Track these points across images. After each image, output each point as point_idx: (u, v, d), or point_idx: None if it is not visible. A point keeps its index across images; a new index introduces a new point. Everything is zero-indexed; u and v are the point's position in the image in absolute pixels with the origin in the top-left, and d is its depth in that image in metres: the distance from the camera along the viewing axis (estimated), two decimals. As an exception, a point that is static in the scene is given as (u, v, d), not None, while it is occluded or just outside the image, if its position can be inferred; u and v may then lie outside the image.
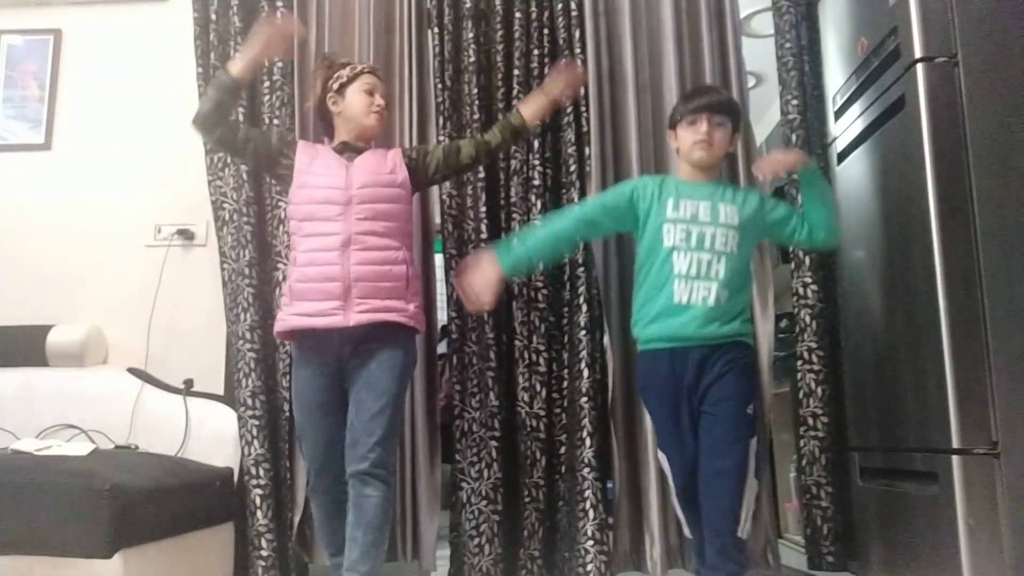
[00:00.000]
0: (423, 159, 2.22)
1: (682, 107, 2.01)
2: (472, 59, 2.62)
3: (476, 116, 2.58)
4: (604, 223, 2.06)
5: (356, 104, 2.20)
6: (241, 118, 2.63)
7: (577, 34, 2.61)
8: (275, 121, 2.63)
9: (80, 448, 2.20)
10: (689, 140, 1.96)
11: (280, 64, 2.66)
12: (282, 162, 2.19)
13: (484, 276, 1.96)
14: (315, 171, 2.15)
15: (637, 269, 2.00)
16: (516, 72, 2.60)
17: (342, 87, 2.21)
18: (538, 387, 2.46)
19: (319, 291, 2.04)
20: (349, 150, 2.20)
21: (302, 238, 2.11)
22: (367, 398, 2.01)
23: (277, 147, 2.21)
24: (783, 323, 2.90)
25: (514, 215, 2.54)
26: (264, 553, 2.37)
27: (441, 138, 2.57)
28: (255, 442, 2.42)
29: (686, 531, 2.03)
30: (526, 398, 2.46)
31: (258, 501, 2.39)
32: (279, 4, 2.71)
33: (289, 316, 2.07)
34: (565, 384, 2.49)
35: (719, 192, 1.96)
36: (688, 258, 1.89)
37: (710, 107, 1.96)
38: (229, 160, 2.62)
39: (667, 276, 1.90)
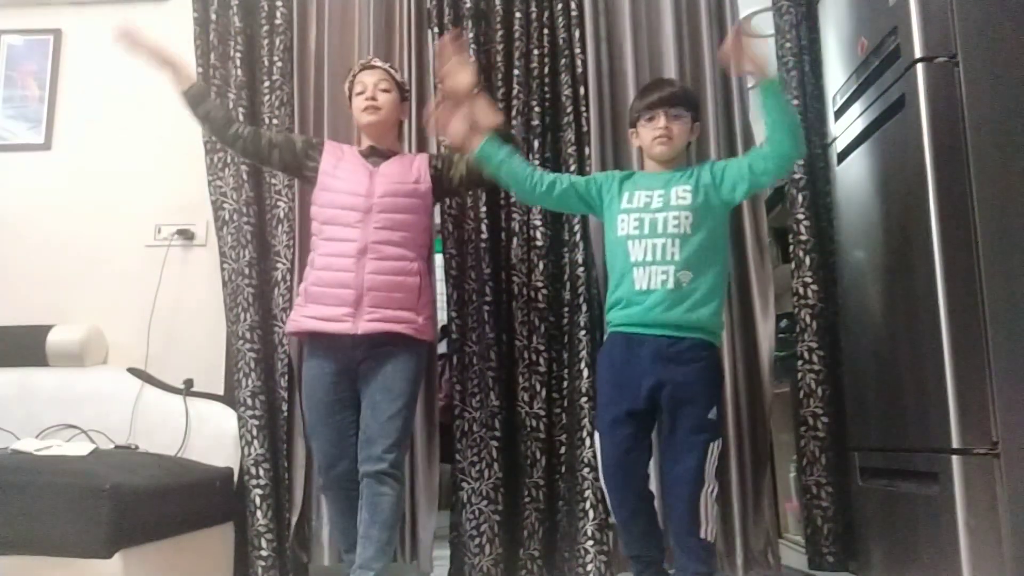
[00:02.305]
0: (447, 170, 2.23)
1: (639, 104, 2.04)
2: (472, 59, 2.62)
3: (476, 116, 2.58)
4: (570, 200, 2.07)
5: (354, 108, 2.23)
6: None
7: (577, 34, 2.61)
8: (274, 121, 2.63)
9: (80, 448, 2.20)
10: (649, 136, 2.00)
11: (280, 64, 2.66)
12: (308, 164, 2.22)
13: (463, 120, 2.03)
14: (339, 175, 2.16)
15: (606, 260, 2.06)
16: (516, 72, 2.60)
17: (350, 97, 2.25)
18: (538, 387, 2.46)
19: (332, 296, 2.07)
20: (376, 155, 2.22)
21: (322, 241, 2.14)
22: (383, 400, 2.03)
23: (302, 151, 2.23)
24: (783, 323, 2.90)
25: (514, 215, 2.54)
26: (264, 553, 2.37)
27: (441, 138, 2.57)
28: (255, 442, 2.42)
29: (612, 518, 2.05)
30: (526, 398, 2.46)
31: (258, 501, 2.39)
32: (278, 4, 2.71)
33: (302, 318, 2.11)
34: (565, 384, 2.49)
35: (676, 177, 1.98)
36: (643, 245, 1.93)
37: (664, 101, 1.98)
38: (229, 160, 2.62)
39: (627, 265, 1.94)
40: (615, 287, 1.98)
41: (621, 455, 1.92)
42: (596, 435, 1.99)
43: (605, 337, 2.06)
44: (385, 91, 2.20)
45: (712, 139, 2.57)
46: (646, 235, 1.93)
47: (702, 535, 1.84)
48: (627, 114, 2.55)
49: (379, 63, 2.26)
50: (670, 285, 1.89)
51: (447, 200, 2.54)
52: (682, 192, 1.95)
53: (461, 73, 2.06)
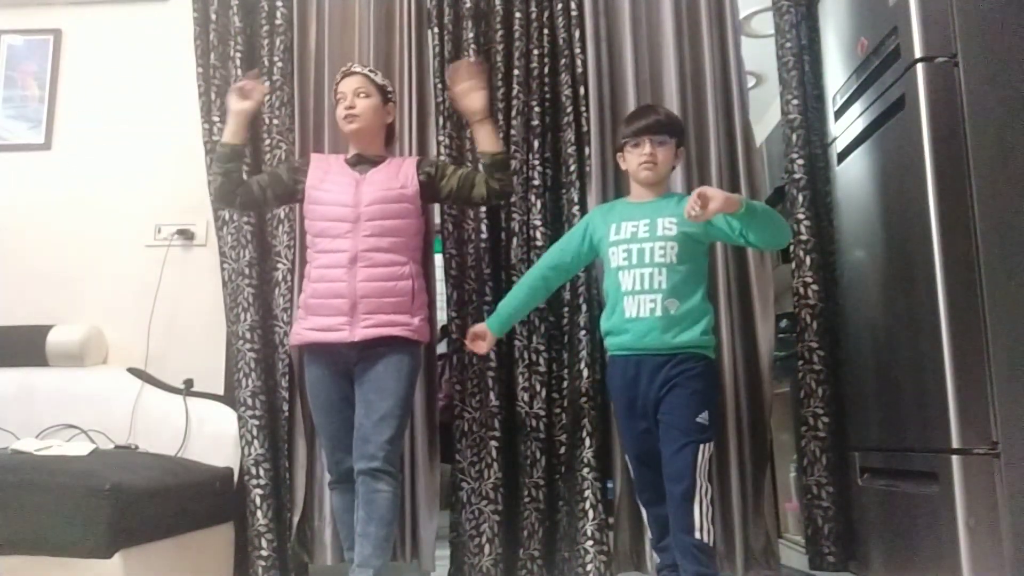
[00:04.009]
0: (438, 181, 2.24)
1: (625, 130, 2.11)
2: (472, 59, 2.62)
3: (476, 116, 2.58)
4: (567, 264, 2.19)
5: (337, 117, 2.24)
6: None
7: (577, 34, 2.61)
8: (275, 121, 2.63)
9: (80, 448, 2.20)
10: (635, 162, 2.08)
11: (280, 64, 2.67)
12: (298, 188, 2.24)
13: (481, 344, 2.24)
14: (326, 187, 2.18)
15: (604, 289, 2.14)
16: (516, 72, 2.60)
17: (336, 104, 2.25)
18: (538, 387, 2.46)
19: (328, 307, 2.10)
20: (363, 162, 2.23)
21: (316, 254, 2.17)
22: (375, 399, 2.06)
23: (290, 178, 2.26)
24: (783, 323, 2.90)
25: (514, 215, 2.54)
26: (264, 553, 2.37)
27: (441, 138, 2.57)
28: (255, 442, 2.42)
29: (648, 531, 2.14)
30: (526, 398, 2.46)
31: (258, 501, 2.39)
32: (278, 4, 2.71)
33: (303, 331, 2.15)
34: (565, 384, 2.48)
35: (662, 207, 2.05)
36: (632, 275, 2.01)
37: (650, 128, 2.06)
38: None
39: (619, 294, 2.03)
40: (609, 315, 2.07)
41: (646, 473, 2.04)
42: (627, 457, 2.12)
43: (607, 360, 2.17)
44: (365, 96, 2.20)
45: (712, 139, 2.57)
46: (634, 265, 2.01)
47: (697, 536, 1.87)
48: (626, 114, 2.57)
49: (358, 68, 2.24)
50: (658, 313, 1.97)
51: (447, 200, 2.55)
52: (668, 223, 2.01)
53: (473, 98, 2.16)
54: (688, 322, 1.98)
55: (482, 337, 2.23)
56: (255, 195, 2.24)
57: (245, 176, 2.35)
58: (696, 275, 2.03)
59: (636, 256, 2.01)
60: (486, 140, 2.19)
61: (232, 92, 2.22)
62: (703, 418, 1.94)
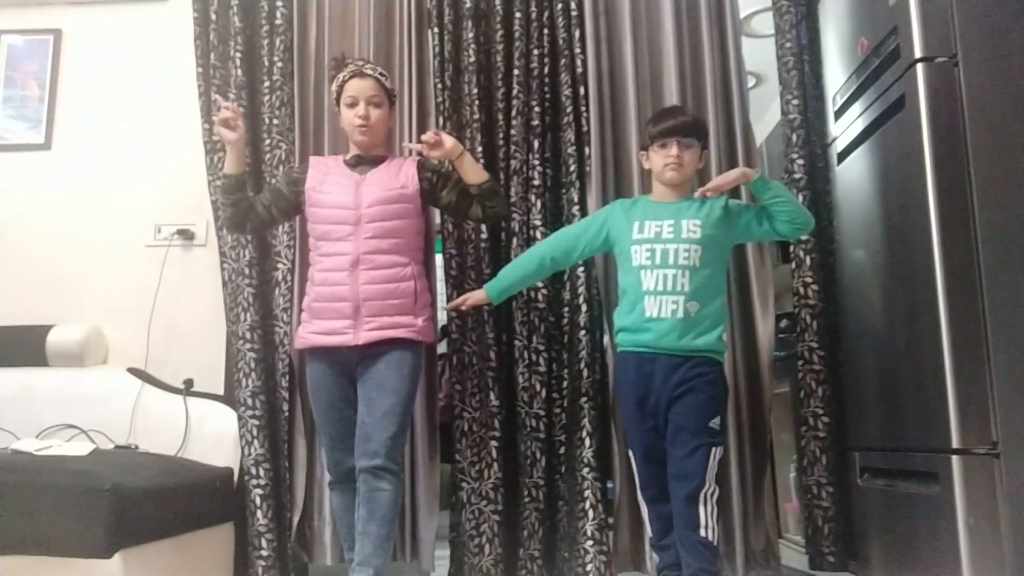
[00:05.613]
0: (439, 190, 2.24)
1: (652, 130, 2.11)
2: (472, 59, 2.62)
3: (476, 116, 2.58)
4: (577, 252, 2.20)
5: (344, 120, 2.21)
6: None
7: (577, 34, 2.61)
8: (275, 121, 2.63)
9: (80, 448, 2.20)
10: (661, 163, 2.08)
11: (280, 64, 2.66)
12: (301, 199, 2.23)
13: (472, 297, 2.28)
14: (326, 189, 2.18)
15: (619, 285, 2.13)
16: (516, 72, 2.60)
17: (338, 99, 2.22)
18: (538, 387, 2.46)
19: (331, 310, 2.10)
20: (363, 163, 2.22)
21: (318, 257, 2.16)
22: (378, 396, 2.06)
23: (289, 189, 2.25)
24: (783, 323, 2.90)
25: (514, 215, 2.54)
26: (264, 553, 2.37)
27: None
28: (255, 442, 2.42)
29: (648, 529, 2.12)
30: (526, 398, 2.46)
31: (258, 501, 2.39)
32: (278, 4, 2.71)
33: (308, 334, 2.15)
34: (565, 384, 2.48)
35: (684, 208, 2.06)
36: (654, 275, 2.01)
37: (678, 130, 2.06)
38: (229, 160, 2.62)
39: (639, 293, 2.03)
40: (627, 312, 2.07)
41: (653, 470, 2.03)
42: (630, 452, 2.10)
43: (615, 356, 2.17)
44: (377, 106, 2.18)
45: (712, 139, 2.56)
46: (658, 265, 2.01)
47: (702, 533, 1.89)
48: (626, 114, 2.57)
49: (370, 70, 2.19)
50: (679, 315, 1.98)
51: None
52: (692, 226, 2.02)
53: (443, 143, 2.16)
54: (707, 325, 1.99)
55: (480, 302, 2.28)
56: (263, 217, 2.26)
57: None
58: (717, 280, 2.04)
59: (660, 256, 2.01)
60: (469, 173, 2.19)
61: (218, 127, 2.18)
62: (715, 423, 1.96)
